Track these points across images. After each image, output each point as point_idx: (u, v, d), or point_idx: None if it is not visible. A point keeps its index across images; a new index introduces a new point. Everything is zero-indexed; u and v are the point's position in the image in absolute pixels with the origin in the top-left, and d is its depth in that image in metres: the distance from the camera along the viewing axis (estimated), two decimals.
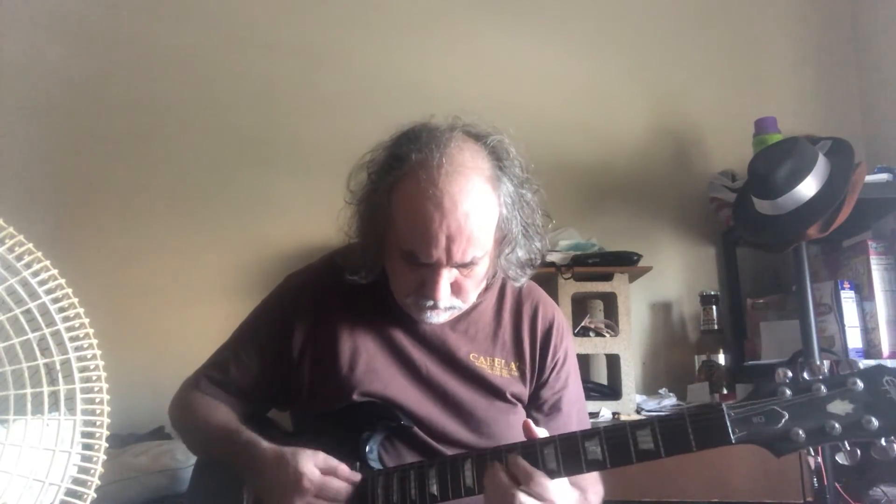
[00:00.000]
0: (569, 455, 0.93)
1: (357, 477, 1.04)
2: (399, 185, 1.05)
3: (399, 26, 2.48)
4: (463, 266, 1.06)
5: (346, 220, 1.15)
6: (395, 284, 1.12)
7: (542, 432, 0.98)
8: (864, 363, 0.87)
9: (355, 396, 1.13)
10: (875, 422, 0.81)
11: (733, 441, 0.86)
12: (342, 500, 1.02)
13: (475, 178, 1.03)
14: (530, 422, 0.99)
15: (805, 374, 0.87)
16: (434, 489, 1.00)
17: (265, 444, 1.08)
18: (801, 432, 0.84)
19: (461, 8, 2.49)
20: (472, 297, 1.13)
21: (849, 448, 0.84)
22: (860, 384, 0.84)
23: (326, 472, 1.02)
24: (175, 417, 1.27)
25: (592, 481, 1.14)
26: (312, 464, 1.02)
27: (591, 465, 0.93)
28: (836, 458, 0.85)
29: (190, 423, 1.23)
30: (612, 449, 0.92)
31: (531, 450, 0.96)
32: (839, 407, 0.84)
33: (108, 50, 2.43)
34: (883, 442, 0.82)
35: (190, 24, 2.45)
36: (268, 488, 1.06)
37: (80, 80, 2.41)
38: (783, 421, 0.85)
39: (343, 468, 1.04)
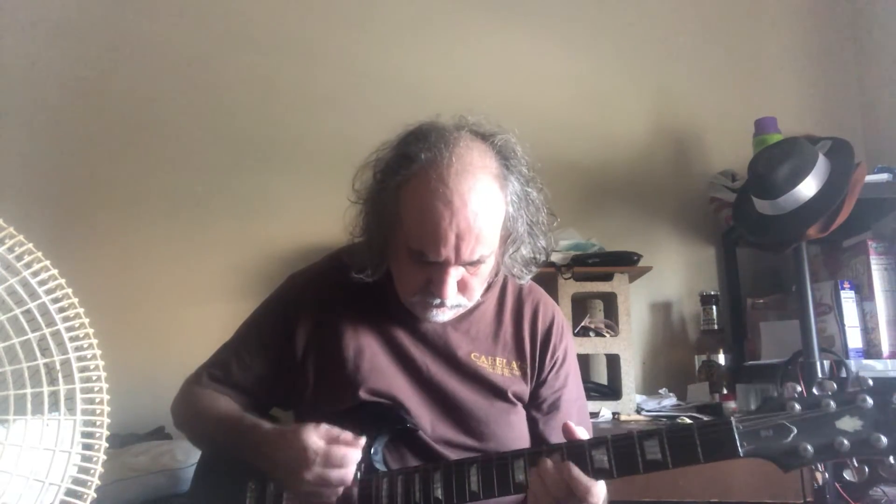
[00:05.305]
0: (576, 463, 0.93)
1: (362, 441, 1.04)
2: (408, 184, 1.05)
3: (399, 26, 2.48)
4: (470, 264, 1.06)
5: (351, 219, 1.15)
6: (401, 284, 1.12)
7: (582, 433, 0.98)
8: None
9: (362, 393, 1.13)
10: (884, 440, 0.81)
11: (741, 454, 0.86)
12: (349, 464, 1.02)
13: (483, 177, 1.03)
14: (571, 423, 0.99)
15: (815, 390, 0.86)
16: (439, 493, 1.00)
17: (267, 425, 1.10)
18: (809, 448, 0.83)
19: (461, 8, 2.48)
20: (477, 295, 1.13)
21: (856, 465, 0.83)
22: (869, 401, 0.83)
23: (330, 440, 1.02)
24: (178, 414, 1.27)
25: None
26: (315, 435, 1.02)
27: (598, 474, 0.92)
28: (844, 474, 0.85)
29: (193, 416, 1.23)
30: (620, 458, 0.91)
31: (537, 457, 0.96)
32: (848, 423, 0.83)
33: (108, 50, 2.43)
34: (891, 460, 0.81)
35: (189, 24, 2.45)
36: (275, 467, 1.06)
37: (79, 81, 2.41)
38: (792, 436, 0.84)
39: (346, 434, 1.03)
